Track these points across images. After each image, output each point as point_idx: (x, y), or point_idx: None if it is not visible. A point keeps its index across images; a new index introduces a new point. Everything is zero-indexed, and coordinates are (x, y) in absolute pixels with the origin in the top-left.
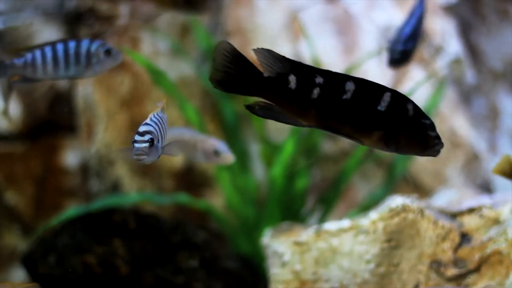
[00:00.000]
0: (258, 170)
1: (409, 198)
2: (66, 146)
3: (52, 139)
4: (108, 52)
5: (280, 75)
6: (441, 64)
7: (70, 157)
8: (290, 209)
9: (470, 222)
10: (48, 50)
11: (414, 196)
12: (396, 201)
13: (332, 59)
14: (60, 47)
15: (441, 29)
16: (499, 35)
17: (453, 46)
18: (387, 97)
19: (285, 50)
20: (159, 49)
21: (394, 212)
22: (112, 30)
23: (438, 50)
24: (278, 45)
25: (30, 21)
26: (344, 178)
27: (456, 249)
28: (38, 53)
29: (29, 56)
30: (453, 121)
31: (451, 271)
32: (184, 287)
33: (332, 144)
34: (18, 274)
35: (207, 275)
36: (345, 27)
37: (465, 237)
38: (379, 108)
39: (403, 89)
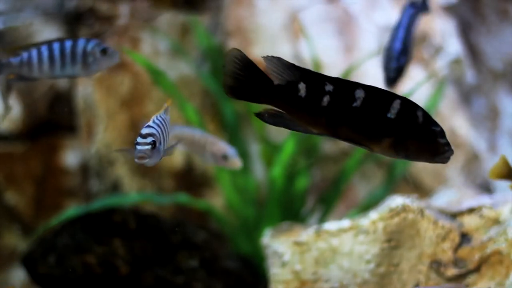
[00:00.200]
0: (258, 170)
1: (409, 198)
2: (66, 146)
3: (52, 139)
4: (104, 52)
5: (289, 83)
6: (441, 64)
7: (70, 157)
8: (290, 209)
9: (470, 222)
10: (44, 49)
11: (414, 196)
12: (396, 201)
13: (332, 59)
14: (56, 46)
15: (441, 29)
16: (499, 35)
17: (453, 46)
18: (396, 104)
19: (285, 50)
20: (159, 49)
21: (394, 212)
22: (112, 30)
23: (438, 50)
24: (278, 45)
25: (30, 21)
26: (344, 178)
27: (456, 249)
28: (34, 52)
29: (25, 55)
30: (453, 121)
31: (451, 271)
32: (184, 287)
33: (332, 144)
34: (18, 274)
35: (207, 275)
36: (345, 27)
37: (465, 237)
38: (389, 115)
39: (403, 89)
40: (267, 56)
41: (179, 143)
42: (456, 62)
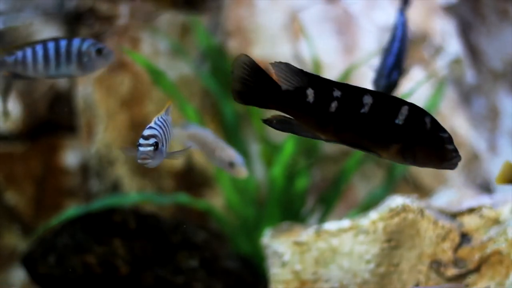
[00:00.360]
0: (258, 170)
1: (409, 198)
2: (66, 146)
3: (52, 139)
4: (99, 51)
5: (298, 88)
6: (441, 64)
7: (70, 157)
8: (290, 209)
9: (470, 222)
10: (39, 49)
11: (414, 196)
12: (396, 201)
13: (332, 59)
14: (51, 46)
15: (441, 29)
16: (499, 35)
17: (453, 46)
18: (404, 110)
19: (285, 50)
20: (159, 49)
21: (394, 212)
22: (112, 30)
23: (438, 50)
24: (278, 45)
25: (30, 21)
26: (344, 178)
27: (456, 249)
28: (29, 51)
29: (20, 54)
30: (453, 121)
31: (451, 271)
32: (184, 287)
33: (332, 144)
34: (18, 274)
35: (207, 275)
36: (345, 27)
37: (465, 237)
38: (396, 121)
39: (403, 89)
40: (275, 62)
41: (189, 147)
42: (456, 62)
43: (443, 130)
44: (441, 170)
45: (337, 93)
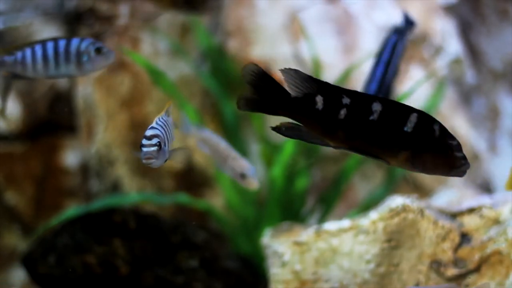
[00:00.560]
0: (258, 170)
1: (409, 198)
2: (66, 146)
3: (52, 139)
4: (98, 51)
5: (307, 95)
6: (441, 64)
7: (70, 157)
8: (290, 209)
9: (470, 222)
10: (38, 49)
11: (414, 196)
12: (396, 201)
13: (332, 59)
14: (50, 46)
15: (441, 29)
16: (499, 35)
17: (453, 46)
18: (413, 117)
19: (285, 50)
20: (159, 49)
21: (394, 212)
22: (112, 30)
23: (438, 50)
24: (278, 45)
25: (30, 21)
26: (344, 178)
27: (456, 249)
28: (28, 51)
29: (19, 54)
30: (453, 121)
31: (451, 271)
32: (184, 287)
33: None
34: (18, 274)
35: (207, 275)
36: (345, 27)
37: (465, 237)
38: (405, 129)
39: (403, 89)
40: (284, 68)
41: (185, 148)
42: (456, 62)
43: (452, 137)
44: None
45: (346, 100)
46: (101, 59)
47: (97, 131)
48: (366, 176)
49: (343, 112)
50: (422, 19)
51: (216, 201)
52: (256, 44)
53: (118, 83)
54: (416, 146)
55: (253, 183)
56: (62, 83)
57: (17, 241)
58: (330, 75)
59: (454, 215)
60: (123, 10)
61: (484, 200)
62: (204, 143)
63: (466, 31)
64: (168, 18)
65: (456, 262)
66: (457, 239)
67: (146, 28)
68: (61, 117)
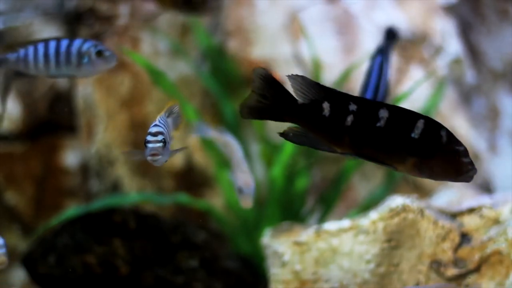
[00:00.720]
0: (258, 170)
1: (409, 198)
2: (66, 146)
3: (52, 139)
4: (100, 53)
5: (313, 102)
6: (441, 64)
7: (70, 157)
8: (290, 209)
9: (470, 222)
10: (40, 47)
11: (414, 196)
12: (396, 201)
13: (332, 59)
14: (52, 45)
15: (441, 29)
16: (499, 35)
17: (453, 46)
18: (420, 124)
19: (285, 50)
20: (159, 49)
21: (394, 212)
22: (112, 30)
23: (438, 50)
24: (278, 45)
25: (30, 21)
26: (344, 178)
27: (456, 249)
28: (31, 50)
29: (22, 51)
30: (453, 121)
31: (451, 271)
32: (184, 287)
33: None
34: (18, 274)
35: (207, 275)
36: (345, 27)
37: (465, 237)
38: (413, 135)
39: (403, 89)
40: (292, 74)
41: (184, 148)
42: (456, 62)
43: (459, 143)
44: None
45: (353, 106)
46: (102, 62)
47: (97, 131)
48: (366, 176)
49: (349, 118)
50: (422, 19)
51: (216, 201)
52: (256, 44)
53: (118, 83)
54: (424, 152)
55: (246, 202)
56: (62, 83)
57: (17, 241)
58: (330, 75)
59: (454, 215)
60: (123, 10)
61: (484, 200)
62: (223, 147)
63: (466, 31)
64: (168, 18)
65: (456, 262)
66: (457, 239)
67: (146, 28)
68: (61, 117)
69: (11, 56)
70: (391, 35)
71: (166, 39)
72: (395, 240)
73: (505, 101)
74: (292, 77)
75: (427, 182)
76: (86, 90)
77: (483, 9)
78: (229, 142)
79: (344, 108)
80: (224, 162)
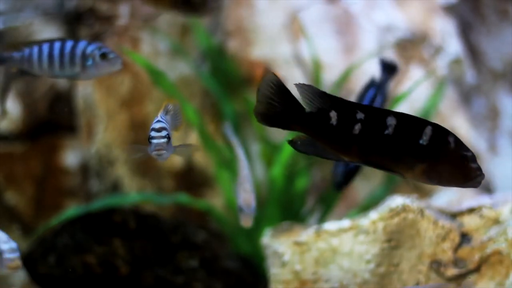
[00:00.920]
0: (258, 170)
1: (409, 198)
2: (66, 146)
3: (52, 139)
4: (104, 56)
5: (321, 110)
6: (441, 64)
7: (70, 157)
8: (290, 209)
9: (470, 222)
10: (45, 47)
11: (414, 196)
12: (396, 201)
13: (332, 59)
14: (57, 46)
15: (441, 29)
16: (499, 35)
17: (453, 46)
18: (428, 130)
19: (285, 50)
20: (159, 49)
21: (394, 212)
22: (112, 30)
23: (438, 50)
24: (278, 45)
25: (30, 21)
26: None
27: (456, 249)
28: (35, 49)
29: (27, 51)
30: (453, 121)
31: (451, 271)
32: (184, 287)
33: None
34: (18, 274)
35: (207, 275)
36: (345, 27)
37: (465, 237)
38: (421, 142)
39: (403, 89)
40: (299, 83)
41: (192, 146)
42: (456, 62)
43: (467, 148)
44: None
45: (360, 115)
46: (105, 64)
47: (97, 131)
48: (366, 176)
49: (357, 127)
50: (422, 19)
51: (216, 201)
52: (256, 44)
53: (118, 83)
54: (432, 159)
55: (246, 222)
56: (62, 83)
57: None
58: (330, 75)
59: (454, 215)
60: (123, 10)
61: (484, 200)
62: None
63: (466, 31)
64: (168, 18)
65: (456, 262)
66: (457, 239)
67: (146, 28)
68: (61, 117)
69: (17, 55)
70: (389, 68)
71: (166, 39)
72: (395, 240)
73: (505, 101)
74: (299, 86)
75: None
76: (86, 90)
77: (483, 9)
78: (239, 157)
79: (351, 117)
80: (224, 162)
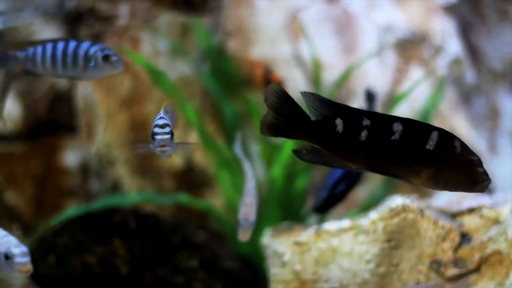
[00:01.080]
0: (258, 170)
1: (409, 198)
2: (66, 146)
3: (52, 139)
4: (106, 58)
5: (326, 118)
6: (441, 64)
7: (70, 157)
8: (290, 209)
9: (470, 222)
10: (49, 47)
11: (414, 196)
12: (396, 201)
13: (332, 59)
14: (60, 46)
15: (441, 29)
16: (499, 35)
17: (453, 46)
18: (434, 135)
19: (285, 50)
20: (159, 49)
21: (394, 212)
22: (112, 30)
23: (438, 50)
24: (278, 45)
25: (30, 21)
26: None
27: (456, 249)
28: (39, 49)
29: (31, 50)
30: (453, 121)
31: (451, 271)
32: (184, 287)
33: None
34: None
35: (207, 275)
36: (345, 27)
37: (465, 237)
38: (427, 147)
39: (403, 89)
40: (304, 91)
41: (196, 144)
42: (456, 62)
43: (473, 153)
44: None
45: (366, 122)
46: (107, 66)
47: (97, 131)
48: (366, 176)
49: (363, 134)
50: (422, 19)
51: (216, 201)
52: (256, 44)
53: (118, 83)
54: (439, 164)
55: (244, 235)
56: (62, 83)
57: None
58: (330, 75)
59: (454, 215)
60: (123, 10)
61: (484, 200)
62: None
63: (466, 31)
64: (168, 18)
65: (456, 262)
66: (457, 239)
67: (146, 28)
68: (61, 117)
69: (21, 54)
70: (370, 96)
71: (166, 39)
72: (395, 240)
73: (505, 101)
74: (305, 94)
75: None
76: (86, 90)
77: (483, 9)
78: (246, 171)
79: (357, 124)
80: (224, 162)
